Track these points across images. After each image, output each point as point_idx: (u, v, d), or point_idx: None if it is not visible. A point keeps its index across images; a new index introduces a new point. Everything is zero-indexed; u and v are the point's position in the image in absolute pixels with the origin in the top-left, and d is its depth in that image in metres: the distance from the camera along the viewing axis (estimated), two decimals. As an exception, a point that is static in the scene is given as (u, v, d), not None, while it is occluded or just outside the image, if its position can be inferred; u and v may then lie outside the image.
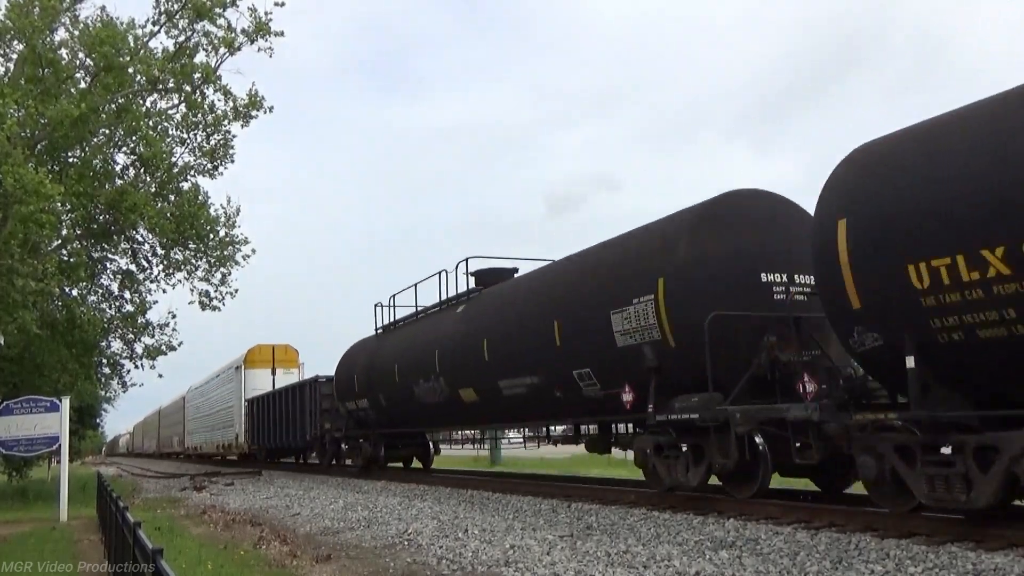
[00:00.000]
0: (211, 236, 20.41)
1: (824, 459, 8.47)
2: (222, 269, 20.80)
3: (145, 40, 18.59)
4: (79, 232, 19.99)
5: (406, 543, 9.16)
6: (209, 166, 20.49)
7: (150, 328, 21.60)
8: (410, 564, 7.91)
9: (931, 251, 6.71)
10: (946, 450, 6.83)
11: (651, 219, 11.75)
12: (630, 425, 11.98)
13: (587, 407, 12.05)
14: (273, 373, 32.42)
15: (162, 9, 18.55)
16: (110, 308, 22.10)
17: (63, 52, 18.77)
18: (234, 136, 20.24)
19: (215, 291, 20.98)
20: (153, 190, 20.00)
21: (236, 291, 21.31)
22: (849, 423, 7.75)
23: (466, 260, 16.72)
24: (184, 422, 48.61)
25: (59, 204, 16.78)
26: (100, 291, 22.31)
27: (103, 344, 22.20)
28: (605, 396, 11.34)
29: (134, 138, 19.47)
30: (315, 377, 24.56)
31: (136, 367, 22.18)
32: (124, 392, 25.52)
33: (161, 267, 21.07)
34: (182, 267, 20.84)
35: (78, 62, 18.90)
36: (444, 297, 17.51)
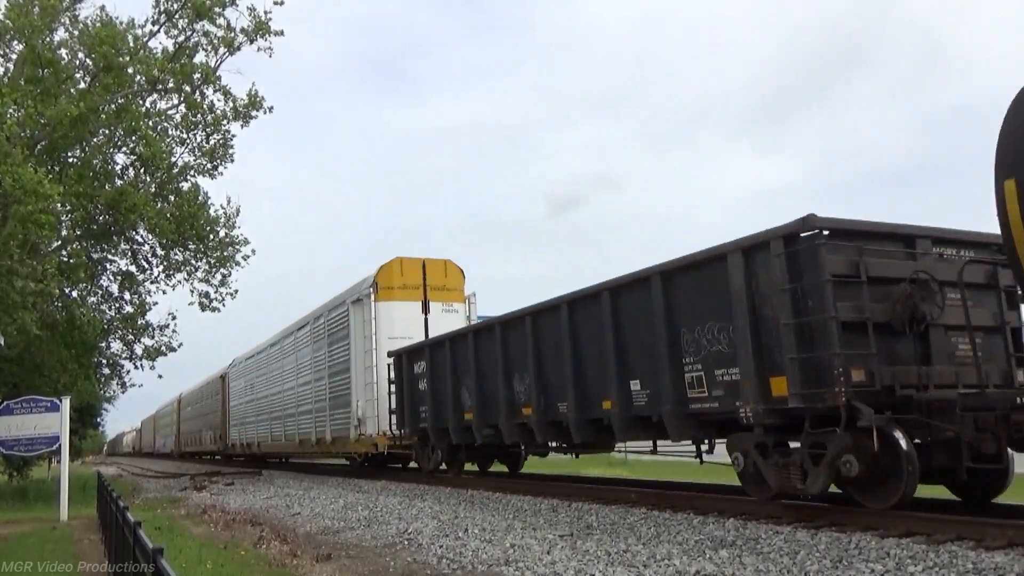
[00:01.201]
0: (211, 237, 20.46)
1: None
2: (222, 270, 20.87)
3: (145, 40, 18.65)
4: (79, 233, 20.01)
5: (406, 542, 9.16)
6: (209, 166, 20.57)
7: (150, 329, 21.67)
8: (410, 563, 7.91)
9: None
10: None
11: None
12: None
13: None
14: (425, 309, 19.09)
15: (162, 9, 18.60)
16: (110, 309, 22.17)
17: (63, 52, 18.83)
18: (234, 136, 20.33)
19: (215, 292, 21.06)
20: (153, 190, 20.05)
21: (236, 292, 21.38)
22: None
23: None
24: (224, 409, 35.05)
25: (58, 204, 16.81)
26: (100, 292, 22.38)
27: (103, 345, 22.25)
28: None
29: (134, 138, 19.52)
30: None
31: (136, 368, 22.25)
32: (123, 392, 25.59)
33: (161, 268, 21.14)
34: (182, 268, 20.90)
35: (78, 62, 18.96)
36: None
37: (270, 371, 28.10)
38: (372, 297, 18.88)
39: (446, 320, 18.74)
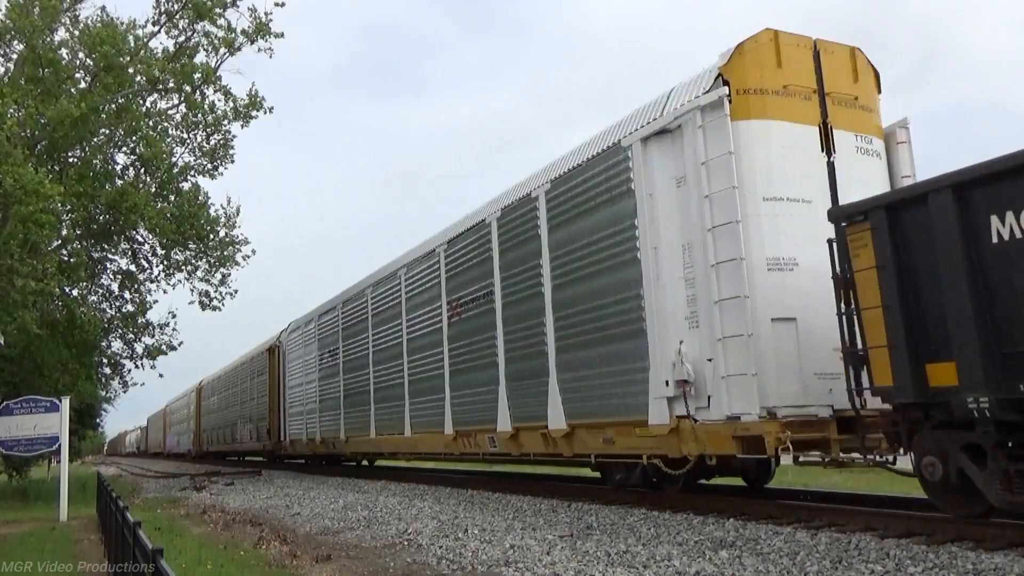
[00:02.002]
0: (211, 236, 20.48)
1: None
2: (222, 269, 20.89)
3: (145, 40, 18.67)
4: (79, 232, 20.03)
5: (406, 543, 9.16)
6: (209, 166, 20.60)
7: (150, 328, 21.71)
8: (410, 564, 7.91)
9: None
10: None
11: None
12: None
13: None
14: (826, 141, 9.29)
15: (162, 9, 18.64)
16: (110, 308, 22.22)
17: (63, 52, 18.83)
18: (234, 136, 20.36)
19: (215, 291, 21.09)
20: (153, 190, 20.07)
21: (236, 291, 21.40)
22: None
23: None
24: (276, 393, 25.89)
25: (59, 204, 16.83)
26: (100, 291, 22.42)
27: (103, 344, 22.29)
28: None
29: (134, 138, 19.53)
30: None
31: (136, 367, 22.30)
32: (124, 391, 25.62)
33: (161, 267, 21.16)
34: (182, 267, 20.92)
35: (78, 62, 18.97)
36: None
37: (378, 323, 18.15)
38: (725, 109, 9.02)
39: (860, 168, 9.52)
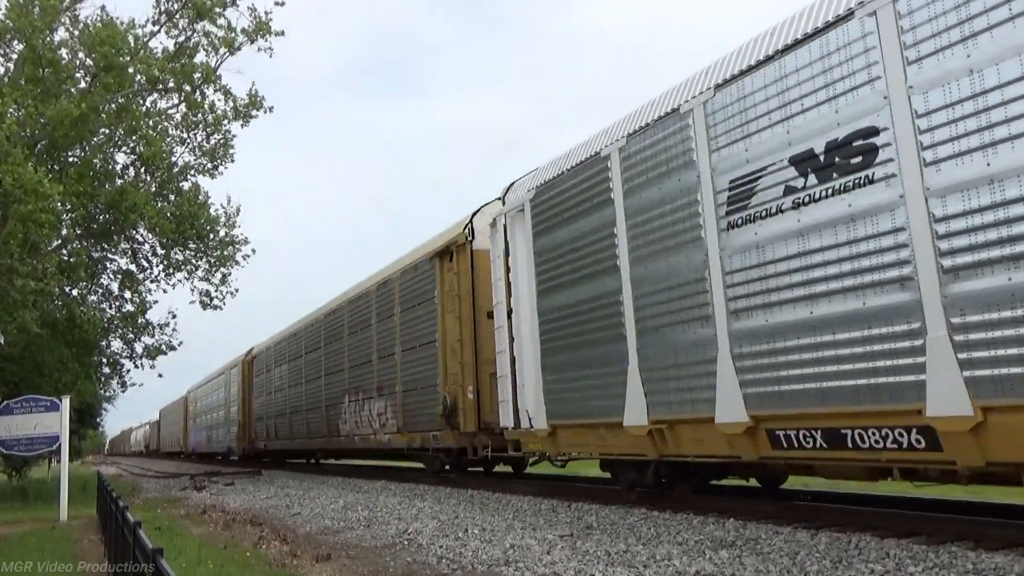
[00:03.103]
0: (211, 236, 20.50)
1: None
2: (222, 269, 20.92)
3: (145, 40, 18.69)
4: (79, 232, 20.04)
5: (406, 543, 9.16)
6: (209, 166, 20.63)
7: (150, 328, 21.74)
8: (410, 563, 7.90)
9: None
10: None
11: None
12: None
13: None
14: None
15: (162, 9, 18.66)
16: (110, 308, 22.24)
17: (63, 52, 18.83)
18: (234, 136, 20.41)
19: (215, 291, 21.11)
20: (153, 190, 20.10)
21: (236, 291, 21.43)
22: None
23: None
24: (474, 329, 13.63)
25: (59, 204, 16.84)
26: (100, 291, 22.44)
27: (103, 344, 22.32)
28: None
29: (134, 138, 19.55)
30: None
31: (136, 367, 22.33)
32: (124, 391, 25.66)
33: (161, 267, 21.18)
34: (182, 267, 20.95)
35: (78, 62, 18.97)
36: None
37: None
38: None
39: None
